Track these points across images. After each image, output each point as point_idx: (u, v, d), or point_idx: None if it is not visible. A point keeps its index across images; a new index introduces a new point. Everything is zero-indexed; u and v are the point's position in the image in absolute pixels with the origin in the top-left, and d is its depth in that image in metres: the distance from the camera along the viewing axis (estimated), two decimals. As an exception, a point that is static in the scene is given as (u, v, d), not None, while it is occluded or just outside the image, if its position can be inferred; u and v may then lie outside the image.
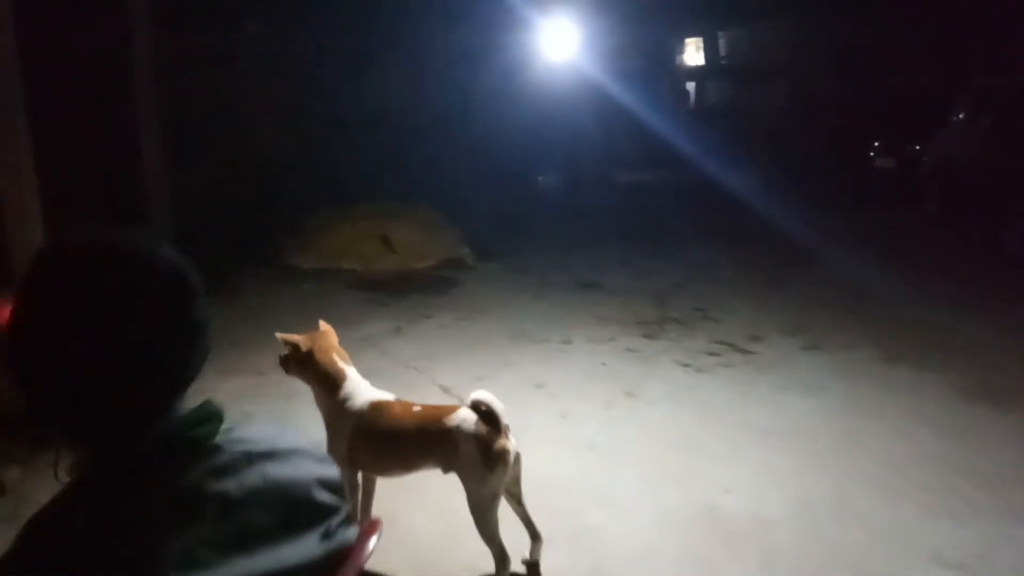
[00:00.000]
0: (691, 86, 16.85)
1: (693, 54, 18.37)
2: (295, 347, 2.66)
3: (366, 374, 4.76)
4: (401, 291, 6.86)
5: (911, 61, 13.54)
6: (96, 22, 7.56)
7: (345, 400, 2.64)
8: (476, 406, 2.49)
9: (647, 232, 9.68)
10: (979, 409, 4.09)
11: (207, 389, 4.58)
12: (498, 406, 2.48)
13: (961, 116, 9.21)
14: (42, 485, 3.41)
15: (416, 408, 2.63)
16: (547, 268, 7.76)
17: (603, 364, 4.90)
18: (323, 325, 2.84)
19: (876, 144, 13.63)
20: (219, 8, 9.66)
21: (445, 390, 4.50)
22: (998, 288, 6.56)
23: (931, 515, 3.06)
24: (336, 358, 2.70)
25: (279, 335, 2.68)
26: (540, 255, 8.39)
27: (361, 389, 2.69)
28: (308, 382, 2.76)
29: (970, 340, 5.20)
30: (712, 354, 5.04)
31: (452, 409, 2.54)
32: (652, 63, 16.15)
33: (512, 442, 2.51)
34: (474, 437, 2.44)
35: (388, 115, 10.85)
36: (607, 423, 4.02)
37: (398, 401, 2.70)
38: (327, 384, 2.67)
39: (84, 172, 8.16)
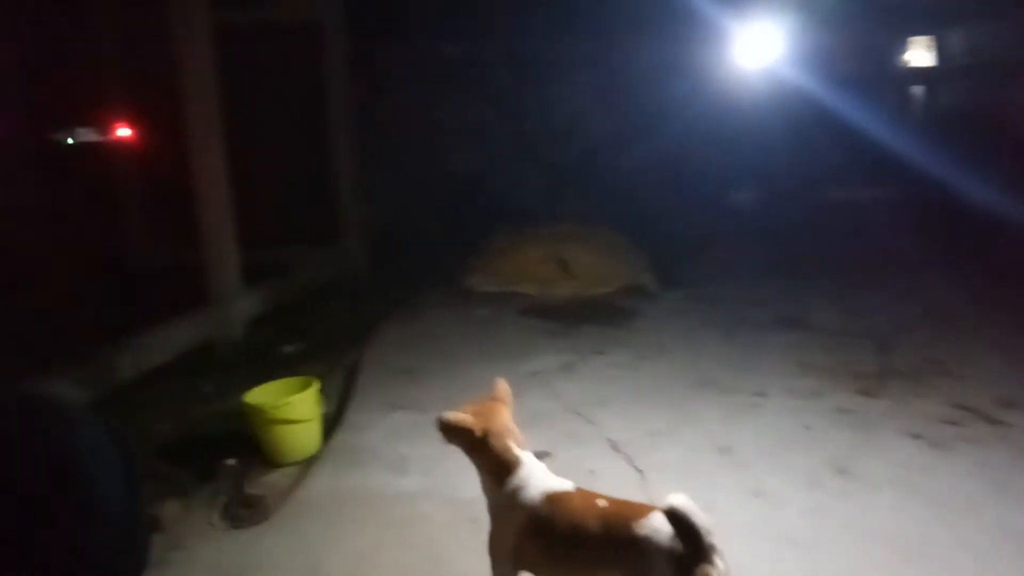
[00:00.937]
0: (917, 90, 14.87)
1: (920, 54, 16.27)
2: (467, 432, 2.22)
3: (530, 417, 4.38)
4: (576, 320, 6.41)
5: None
6: (292, 49, 7.95)
7: (517, 490, 2.18)
8: (671, 515, 1.92)
9: (865, 260, 8.45)
10: None
11: (368, 424, 4.46)
12: (700, 520, 1.86)
13: None
14: (196, 527, 3.34)
15: (600, 503, 2.09)
16: (740, 300, 6.94)
17: (806, 427, 4.10)
18: (500, 388, 2.36)
19: None
20: (415, 30, 9.83)
21: (614, 446, 3.96)
22: None
23: None
24: (511, 443, 2.24)
25: (448, 416, 2.20)
26: (733, 284, 7.57)
27: (536, 477, 2.21)
28: (472, 462, 2.33)
29: None
30: (950, 422, 4.06)
31: (645, 511, 1.97)
32: (870, 66, 14.47)
33: (720, 569, 1.88)
34: (669, 556, 1.87)
35: (574, 133, 10.51)
36: (812, 509, 3.27)
37: (579, 492, 2.18)
38: (497, 472, 2.23)
39: (280, 193, 8.62)
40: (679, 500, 1.86)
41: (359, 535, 3.20)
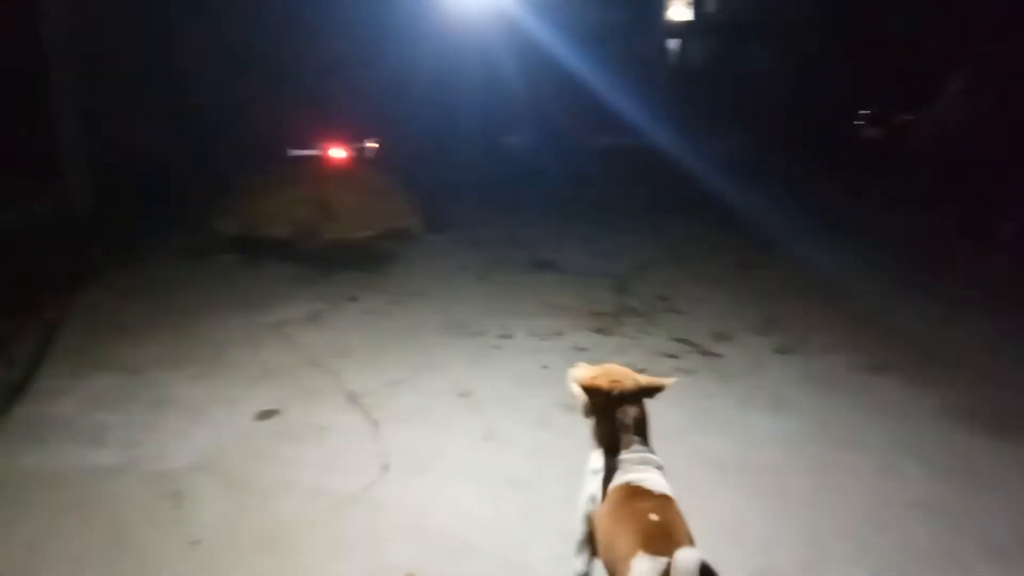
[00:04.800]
0: (675, 43, 15.92)
1: (681, 9, 17.40)
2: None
3: (265, 373, 4.07)
4: (332, 266, 6.09)
5: (910, 26, 12.71)
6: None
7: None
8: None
9: (617, 203, 8.95)
10: (981, 438, 3.45)
11: (62, 390, 3.86)
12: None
13: (959, 86, 8.47)
14: None
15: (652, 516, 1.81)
16: (501, 242, 7.01)
17: (544, 367, 4.20)
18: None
19: (866, 112, 12.92)
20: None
21: (352, 398, 3.78)
22: (997, 282, 5.92)
23: (924, 598, 2.42)
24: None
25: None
26: (496, 226, 7.64)
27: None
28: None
29: (969, 346, 4.55)
30: (671, 356, 4.35)
31: (672, 547, 1.68)
32: (635, 18, 15.20)
33: None
34: None
35: (338, 68, 9.90)
36: (537, 448, 3.33)
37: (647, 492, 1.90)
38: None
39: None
40: (683, 557, 1.59)
41: (31, 522, 2.73)
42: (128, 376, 3.92)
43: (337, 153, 8.54)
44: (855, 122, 12.99)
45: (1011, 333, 4.77)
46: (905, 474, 3.15)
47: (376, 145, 8.81)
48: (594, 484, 1.98)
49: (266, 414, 3.60)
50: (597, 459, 2.01)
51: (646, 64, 14.35)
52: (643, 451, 1.99)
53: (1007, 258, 6.38)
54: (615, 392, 2.02)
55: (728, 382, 4.02)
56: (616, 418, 2.01)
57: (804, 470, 3.20)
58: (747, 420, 3.61)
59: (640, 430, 2.02)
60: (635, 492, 1.88)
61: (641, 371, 2.17)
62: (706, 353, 4.40)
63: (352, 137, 8.77)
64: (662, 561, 1.63)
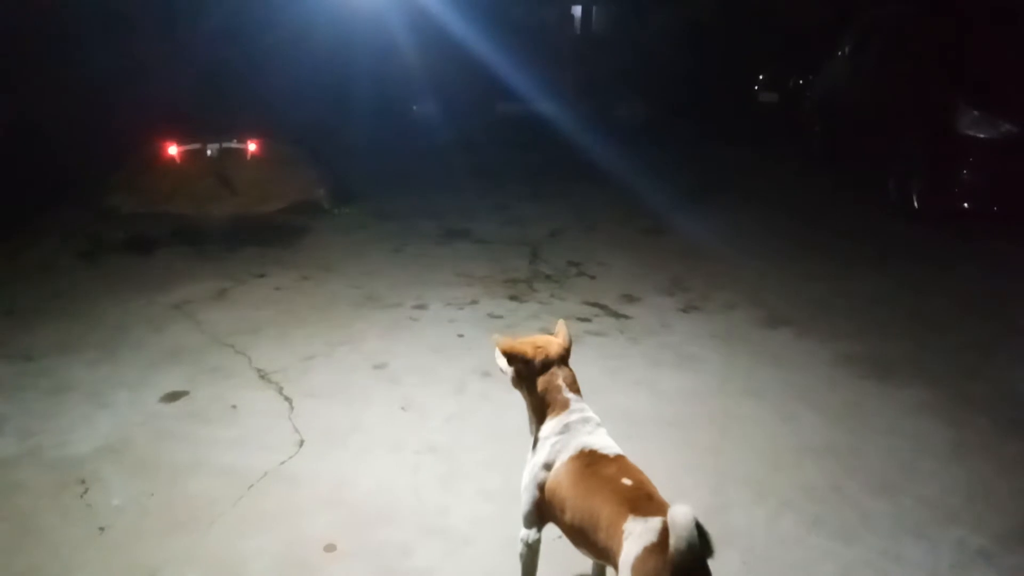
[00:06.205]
0: (577, 11, 15.98)
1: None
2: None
3: (170, 354, 3.94)
4: (236, 242, 5.91)
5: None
6: None
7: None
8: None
9: (527, 170, 9.00)
10: (867, 384, 3.71)
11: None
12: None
13: (846, 49, 8.89)
14: None
15: (625, 481, 1.82)
16: (414, 213, 6.95)
17: (460, 336, 4.23)
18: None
19: (760, 77, 13.39)
20: None
21: (263, 376, 3.71)
22: (884, 239, 6.31)
23: (815, 531, 2.61)
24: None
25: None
26: (408, 197, 7.56)
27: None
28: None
29: (857, 300, 4.86)
30: (583, 319, 4.46)
31: (657, 508, 1.70)
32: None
33: None
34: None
35: (236, 33, 9.46)
36: (455, 415, 3.38)
37: (604, 456, 1.93)
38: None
39: None
40: (680, 512, 1.53)
41: (-80, 522, 2.58)
42: (22, 363, 3.72)
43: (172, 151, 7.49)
44: (753, 87, 13.46)
45: (896, 286, 5.11)
46: (801, 421, 3.37)
47: (253, 147, 7.33)
48: (547, 451, 1.99)
49: (172, 396, 3.49)
50: (549, 427, 2.03)
51: (550, 32, 14.39)
52: (582, 408, 2.05)
53: (895, 215, 6.79)
54: (538, 360, 2.07)
55: (638, 342, 4.16)
56: (548, 383, 2.06)
57: (709, 421, 3.36)
58: (656, 377, 3.76)
59: (573, 389, 2.08)
60: (594, 458, 1.91)
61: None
62: (616, 315, 4.53)
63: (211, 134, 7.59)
64: (656, 521, 1.64)
